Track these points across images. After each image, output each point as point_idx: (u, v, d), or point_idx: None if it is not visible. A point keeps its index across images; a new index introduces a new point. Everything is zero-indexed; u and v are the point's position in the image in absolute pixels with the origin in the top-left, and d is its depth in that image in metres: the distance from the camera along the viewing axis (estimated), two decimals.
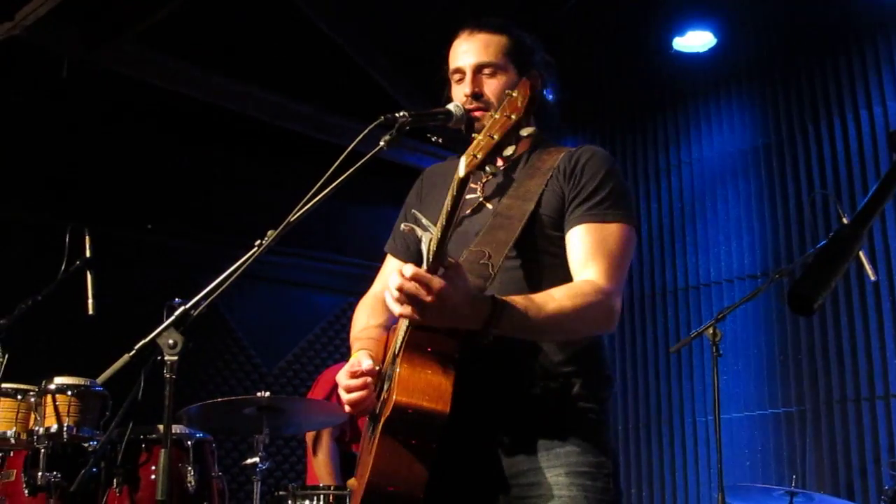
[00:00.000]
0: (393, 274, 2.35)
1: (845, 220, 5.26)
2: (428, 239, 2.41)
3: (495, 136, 2.29)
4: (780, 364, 6.71)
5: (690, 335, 5.44)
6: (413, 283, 2.30)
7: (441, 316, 2.34)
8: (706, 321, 5.25)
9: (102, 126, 6.69)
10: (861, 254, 4.93)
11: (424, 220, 2.49)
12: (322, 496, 4.79)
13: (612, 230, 2.65)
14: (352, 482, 3.45)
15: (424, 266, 2.37)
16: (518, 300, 2.45)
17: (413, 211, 2.70)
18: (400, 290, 2.31)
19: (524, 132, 2.34)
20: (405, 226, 2.63)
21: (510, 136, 2.31)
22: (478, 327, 2.39)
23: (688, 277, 7.39)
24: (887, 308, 6.23)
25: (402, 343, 2.49)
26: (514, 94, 2.35)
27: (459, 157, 2.33)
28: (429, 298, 2.29)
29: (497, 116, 2.33)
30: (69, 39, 6.05)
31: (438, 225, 2.35)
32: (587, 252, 2.62)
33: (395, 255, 3.03)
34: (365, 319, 2.94)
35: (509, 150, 2.34)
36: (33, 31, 5.73)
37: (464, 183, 2.27)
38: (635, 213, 2.78)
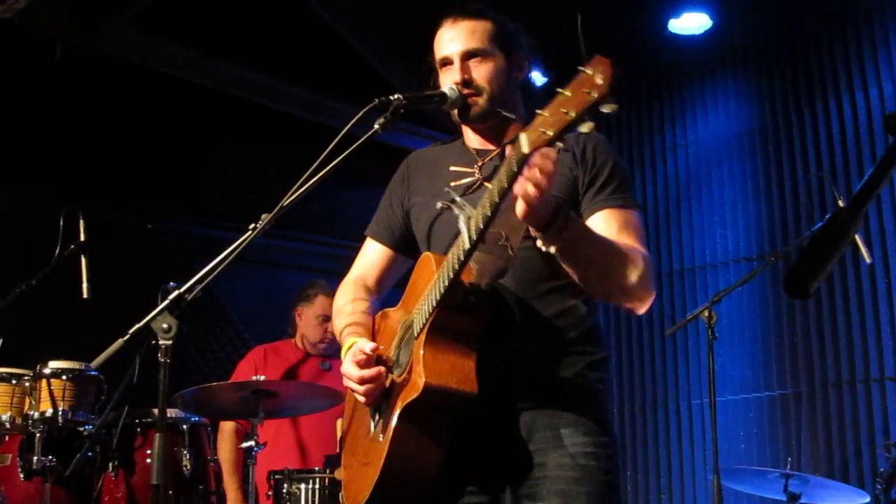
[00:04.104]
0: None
1: (841, 203, 5.26)
2: (466, 217, 2.39)
3: (571, 113, 2.12)
4: (775, 346, 6.72)
5: (686, 318, 5.45)
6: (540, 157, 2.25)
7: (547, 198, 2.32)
8: (702, 304, 5.25)
9: (96, 109, 6.65)
10: (856, 236, 4.93)
11: (459, 199, 2.49)
12: (318, 479, 4.80)
13: (632, 216, 2.75)
14: (339, 473, 3.41)
15: (467, 244, 2.36)
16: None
17: (446, 189, 2.69)
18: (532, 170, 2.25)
19: (606, 109, 2.11)
20: (442, 204, 2.63)
21: (587, 113, 2.12)
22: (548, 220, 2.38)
23: (683, 260, 7.39)
24: (882, 290, 6.23)
25: (423, 325, 2.49)
26: (590, 71, 2.13)
27: (448, 141, 2.31)
28: (551, 167, 2.26)
29: (569, 94, 2.14)
30: (62, 22, 6.01)
31: (488, 202, 2.31)
32: (617, 231, 2.68)
33: (377, 239, 3.03)
34: (346, 303, 2.94)
35: (585, 128, 2.15)
36: (25, 15, 5.69)
37: (524, 160, 2.23)
38: None
